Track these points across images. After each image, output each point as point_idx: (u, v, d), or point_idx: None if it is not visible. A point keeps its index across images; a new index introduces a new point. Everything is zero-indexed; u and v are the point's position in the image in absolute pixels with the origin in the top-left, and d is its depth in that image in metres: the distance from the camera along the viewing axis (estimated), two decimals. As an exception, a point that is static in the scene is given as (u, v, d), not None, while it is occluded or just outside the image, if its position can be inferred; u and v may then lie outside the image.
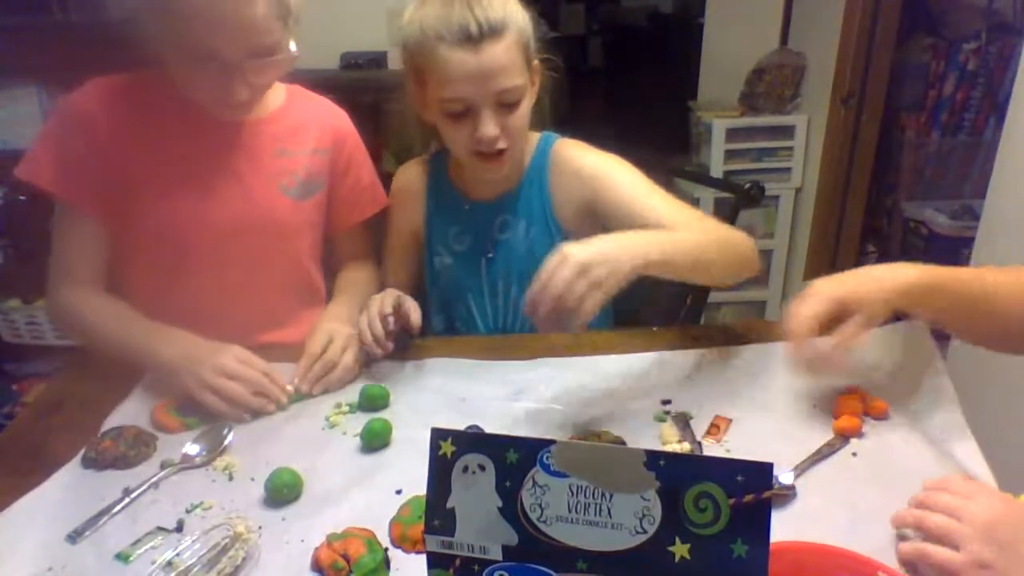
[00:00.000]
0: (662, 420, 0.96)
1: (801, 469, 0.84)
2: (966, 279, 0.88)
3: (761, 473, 0.49)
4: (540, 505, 0.52)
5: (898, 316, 0.92)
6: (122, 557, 0.77)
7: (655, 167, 1.20)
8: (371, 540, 0.75)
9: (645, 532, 0.50)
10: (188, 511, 0.83)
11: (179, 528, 0.80)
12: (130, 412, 1.01)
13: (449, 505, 0.54)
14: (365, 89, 2.18)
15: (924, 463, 0.84)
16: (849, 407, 0.92)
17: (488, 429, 0.90)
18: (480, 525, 0.53)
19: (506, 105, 1.08)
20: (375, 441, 0.93)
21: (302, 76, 1.19)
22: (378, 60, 2.43)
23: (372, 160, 1.31)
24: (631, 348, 1.11)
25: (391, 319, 1.08)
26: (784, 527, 0.69)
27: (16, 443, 0.99)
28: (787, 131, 2.65)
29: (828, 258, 2.64)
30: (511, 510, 0.53)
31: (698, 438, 0.92)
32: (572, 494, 0.51)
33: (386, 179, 1.33)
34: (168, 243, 1.14)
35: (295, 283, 1.26)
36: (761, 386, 1.01)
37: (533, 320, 0.88)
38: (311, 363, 1.06)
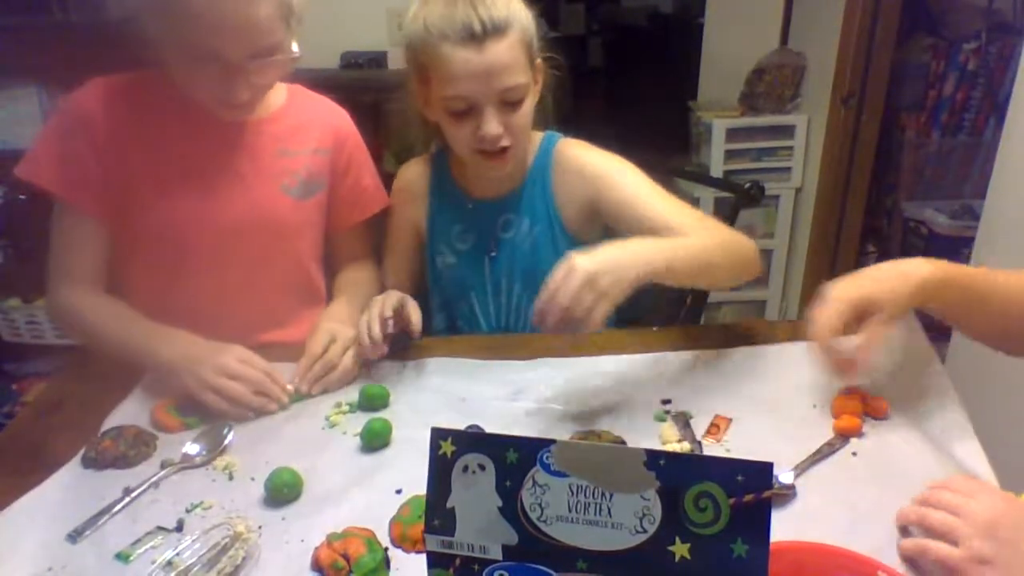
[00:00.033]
0: (662, 420, 0.96)
1: (801, 469, 0.84)
2: (975, 275, 0.90)
3: (761, 473, 0.49)
4: (540, 505, 0.52)
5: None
6: (122, 557, 0.77)
7: (655, 167, 1.21)
8: (371, 540, 0.75)
9: (645, 532, 0.50)
10: (188, 511, 0.83)
11: (179, 528, 0.80)
12: (130, 412, 1.02)
13: (449, 505, 0.54)
14: (365, 89, 2.18)
15: (924, 463, 0.84)
16: (849, 407, 0.92)
17: (488, 429, 0.89)
18: (480, 525, 0.53)
19: (509, 103, 1.08)
20: (375, 441, 0.93)
21: (302, 76, 1.19)
22: (378, 60, 2.43)
23: (372, 160, 1.31)
24: (631, 348, 1.11)
25: (390, 322, 1.08)
26: (784, 527, 0.69)
27: (16, 443, 0.99)
28: (787, 131, 2.64)
29: (828, 258, 2.64)
30: (511, 510, 0.53)
31: (698, 438, 0.92)
32: (572, 494, 0.51)
33: (386, 179, 1.33)
34: (169, 243, 1.14)
35: (296, 283, 1.26)
36: (761, 386, 1.01)
37: (541, 329, 0.90)
38: (311, 363, 1.06)
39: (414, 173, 1.30)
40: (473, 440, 0.54)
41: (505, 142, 1.10)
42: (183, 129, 1.12)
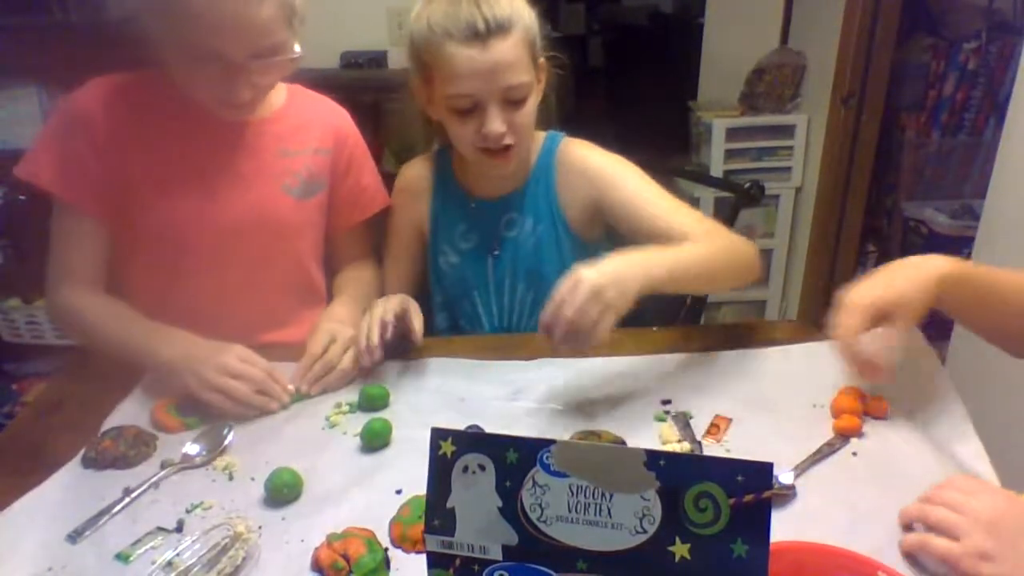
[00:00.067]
0: (662, 420, 0.96)
1: (801, 469, 0.84)
2: (988, 273, 0.90)
3: (761, 473, 0.49)
4: (540, 505, 0.52)
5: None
6: (122, 557, 0.77)
7: (655, 167, 1.21)
8: (371, 540, 0.75)
9: (645, 532, 0.50)
10: (188, 511, 0.83)
11: (179, 528, 0.80)
12: (130, 412, 1.01)
13: (449, 505, 0.54)
14: (365, 89, 2.19)
15: (924, 463, 0.84)
16: (849, 407, 0.92)
17: (488, 429, 0.89)
18: (480, 525, 0.53)
19: (512, 102, 1.09)
20: (375, 441, 0.93)
21: (302, 75, 1.19)
22: (378, 60, 2.43)
23: (372, 159, 1.31)
24: (631, 348, 1.11)
25: (390, 327, 1.07)
26: (784, 527, 0.69)
27: (16, 443, 0.99)
28: (787, 131, 2.64)
29: (828, 258, 2.64)
30: (511, 510, 0.53)
31: (698, 438, 0.92)
32: (572, 494, 0.51)
33: (386, 179, 1.32)
34: (169, 243, 1.14)
35: (296, 283, 1.26)
36: (761, 386, 1.01)
37: (548, 342, 0.92)
38: (312, 363, 1.06)
39: (416, 172, 1.30)
40: (473, 440, 0.54)
41: (508, 140, 1.11)
42: (183, 129, 1.12)
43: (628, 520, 0.50)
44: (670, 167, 2.28)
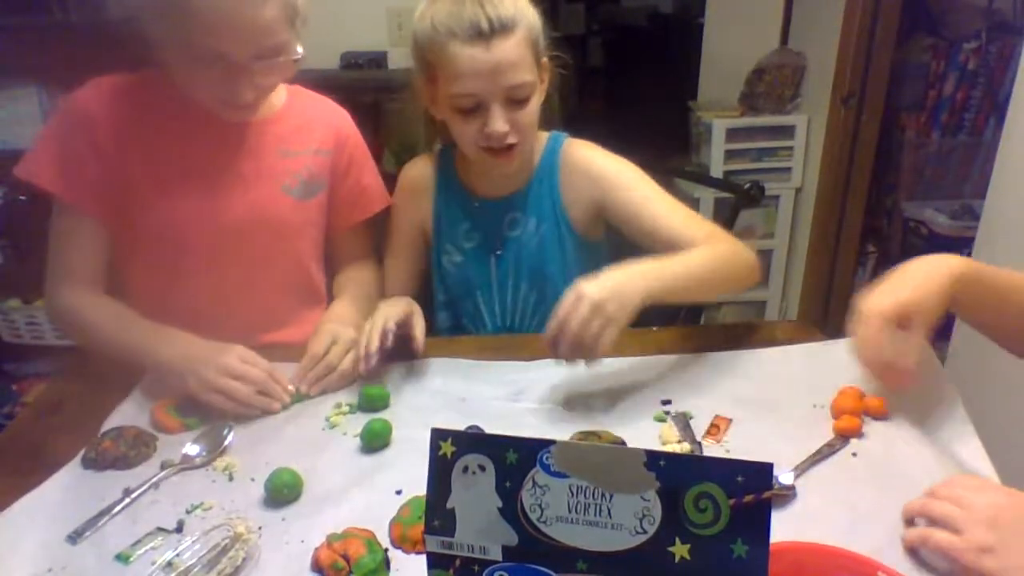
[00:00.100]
0: (662, 420, 0.96)
1: (801, 469, 0.84)
2: (996, 273, 0.90)
3: (761, 473, 0.49)
4: (540, 505, 0.52)
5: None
6: (122, 558, 0.77)
7: (655, 167, 1.21)
8: (371, 540, 0.75)
9: (645, 532, 0.50)
10: (188, 511, 0.83)
11: (179, 528, 0.80)
12: (130, 412, 1.01)
13: (449, 505, 0.54)
14: (365, 89, 2.19)
15: (924, 463, 0.84)
16: (849, 407, 0.92)
17: (488, 429, 0.89)
18: (480, 525, 0.53)
19: (516, 101, 1.09)
20: (375, 441, 0.93)
21: (302, 76, 1.19)
22: (378, 60, 2.43)
23: (372, 160, 1.31)
24: (631, 348, 1.11)
25: (391, 335, 1.07)
26: (784, 527, 0.69)
27: (16, 443, 0.99)
28: (787, 131, 2.64)
29: (828, 258, 2.64)
30: (511, 510, 0.53)
31: (698, 438, 0.92)
32: (572, 494, 0.51)
33: (386, 179, 1.32)
34: (169, 243, 1.14)
35: (296, 283, 1.26)
36: (761, 386, 1.01)
37: (553, 356, 0.94)
38: (313, 364, 1.06)
39: (419, 171, 1.30)
40: (473, 441, 0.54)
41: (511, 139, 1.11)
42: (184, 129, 1.12)
43: (628, 520, 0.50)
44: (670, 167, 2.28)
